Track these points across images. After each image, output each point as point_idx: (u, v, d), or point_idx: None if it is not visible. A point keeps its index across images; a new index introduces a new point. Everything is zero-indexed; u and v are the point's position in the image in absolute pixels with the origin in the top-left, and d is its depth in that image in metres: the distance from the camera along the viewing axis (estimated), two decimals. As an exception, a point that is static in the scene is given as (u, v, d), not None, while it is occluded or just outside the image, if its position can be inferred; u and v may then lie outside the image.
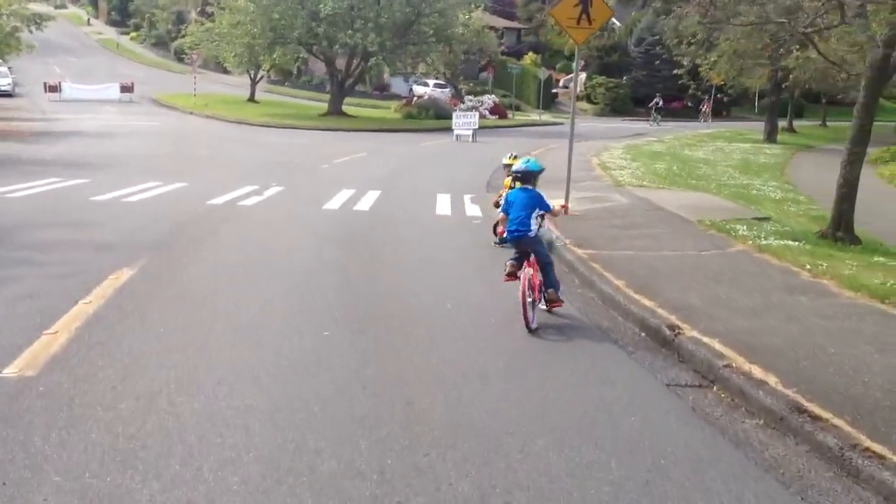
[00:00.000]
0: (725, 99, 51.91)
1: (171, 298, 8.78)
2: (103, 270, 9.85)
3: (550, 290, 8.67)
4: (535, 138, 39.46)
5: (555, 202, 9.66)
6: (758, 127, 52.23)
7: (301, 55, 52.56)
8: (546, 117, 58.00)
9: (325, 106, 49.88)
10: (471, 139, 36.40)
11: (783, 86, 37.59)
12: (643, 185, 19.94)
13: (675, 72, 42.54)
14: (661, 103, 56.72)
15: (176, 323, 7.87)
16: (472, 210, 16.59)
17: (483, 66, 65.84)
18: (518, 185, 9.02)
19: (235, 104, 51.73)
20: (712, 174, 24.09)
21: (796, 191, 22.67)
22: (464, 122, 37.04)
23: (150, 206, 15.21)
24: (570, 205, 15.35)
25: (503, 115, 54.02)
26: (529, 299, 8.19)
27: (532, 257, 8.63)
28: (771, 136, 39.18)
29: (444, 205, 17.19)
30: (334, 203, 16.79)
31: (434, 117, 49.41)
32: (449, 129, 40.69)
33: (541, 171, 9.11)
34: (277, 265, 10.55)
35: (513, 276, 8.66)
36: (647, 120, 55.60)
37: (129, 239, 11.95)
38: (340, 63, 49.24)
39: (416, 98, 55.08)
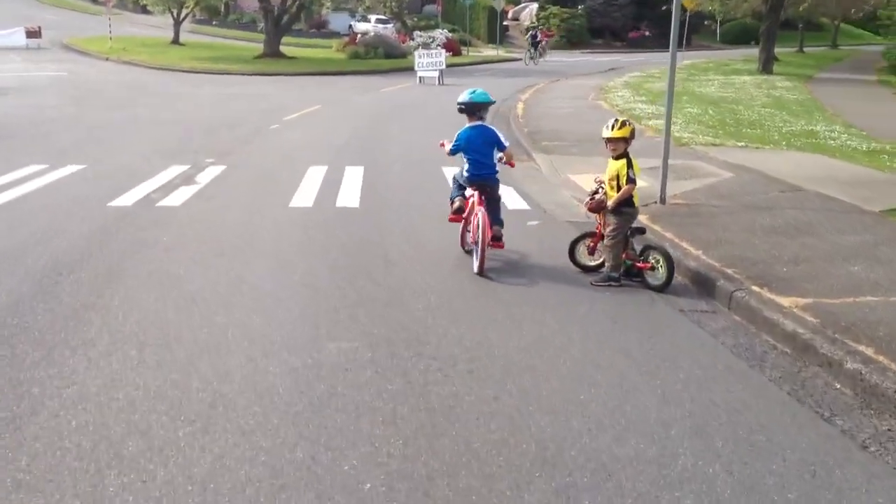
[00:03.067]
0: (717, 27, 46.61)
1: None
2: None
3: (497, 227, 7.75)
4: (508, 77, 33.62)
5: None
6: (731, 55, 47.15)
7: (229, -10, 45.51)
8: (501, 53, 51.85)
9: (258, 47, 43.04)
10: (437, 82, 30.35)
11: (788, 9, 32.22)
12: (715, 144, 14.46)
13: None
14: (539, 36, 46.43)
15: None
16: (512, 198, 10.95)
17: (429, -1, 59.27)
18: (468, 121, 8.00)
19: (158, 47, 44.45)
20: (760, 119, 18.73)
21: (868, 136, 17.38)
22: (428, 62, 30.81)
23: (11, 222, 9.20)
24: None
25: (457, 52, 47.68)
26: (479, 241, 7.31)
27: (482, 197, 7.73)
28: (767, 67, 33.93)
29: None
30: (304, 194, 10.95)
31: (384, 56, 43.13)
32: (403, 70, 34.86)
33: (490, 102, 8.12)
34: (230, 411, 4.81)
35: (461, 213, 7.89)
36: (523, 55, 44.94)
37: (-61, 321, 6.06)
38: (275, -2, 42.41)
39: (360, 36, 48.51)
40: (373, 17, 55.39)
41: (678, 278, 7.28)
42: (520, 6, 66.15)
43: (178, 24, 48.08)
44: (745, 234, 8.27)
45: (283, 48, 42.46)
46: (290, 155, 14.26)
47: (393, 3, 47.75)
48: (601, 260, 7.61)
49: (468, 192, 7.86)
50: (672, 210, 9.47)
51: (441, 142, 8.36)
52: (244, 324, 6.05)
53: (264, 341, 5.71)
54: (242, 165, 13.21)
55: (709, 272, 7.09)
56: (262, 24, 43.53)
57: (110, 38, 43.34)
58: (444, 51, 32.31)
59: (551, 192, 11.36)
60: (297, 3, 42.93)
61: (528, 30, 47.12)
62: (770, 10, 32.82)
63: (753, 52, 51.68)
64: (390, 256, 8.02)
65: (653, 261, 7.18)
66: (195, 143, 15.50)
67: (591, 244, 7.64)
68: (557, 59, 48.17)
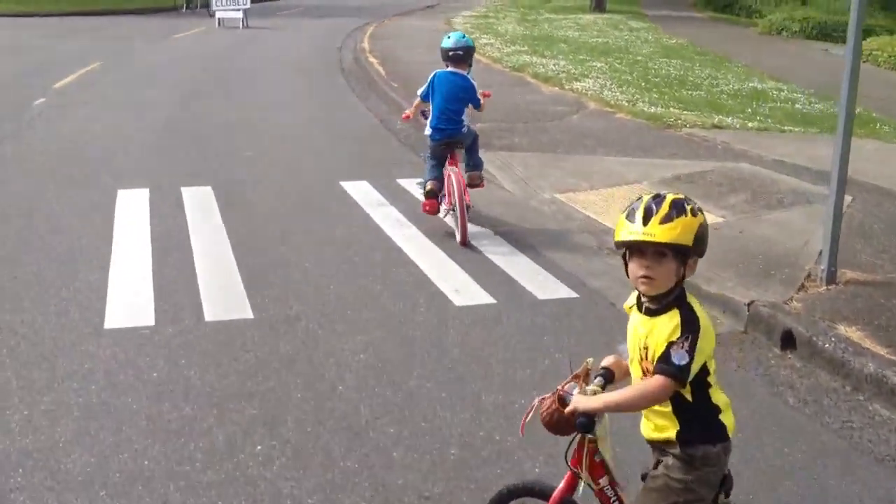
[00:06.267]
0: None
1: None
2: None
3: (475, 172, 6.52)
4: (323, 18, 27.86)
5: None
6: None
7: None
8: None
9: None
10: (241, 25, 24.07)
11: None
12: (716, 126, 10.04)
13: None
14: None
15: None
16: (520, 265, 6.00)
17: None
18: (450, 66, 6.36)
19: None
20: (681, 75, 14.70)
21: (816, 94, 13.72)
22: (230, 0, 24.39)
23: None
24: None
25: (247, -13, 40.59)
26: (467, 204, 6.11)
27: (453, 157, 6.36)
28: (600, 4, 30.24)
29: (406, 239, 6.29)
30: (128, 280, 5.38)
31: (161, -9, 35.46)
32: (181, 8, 28.58)
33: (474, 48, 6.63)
34: None
35: (434, 197, 6.22)
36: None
37: None
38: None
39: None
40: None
41: None
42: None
43: None
44: None
45: (31, -19, 33.84)
46: (79, 163, 8.40)
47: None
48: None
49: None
50: (868, 300, 4.95)
51: (405, 114, 6.90)
52: None
53: None
54: (-7, 196, 7.29)
55: None
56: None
57: None
58: (249, -15, 25.91)
59: (563, 238, 6.53)
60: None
61: None
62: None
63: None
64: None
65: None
66: None
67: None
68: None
